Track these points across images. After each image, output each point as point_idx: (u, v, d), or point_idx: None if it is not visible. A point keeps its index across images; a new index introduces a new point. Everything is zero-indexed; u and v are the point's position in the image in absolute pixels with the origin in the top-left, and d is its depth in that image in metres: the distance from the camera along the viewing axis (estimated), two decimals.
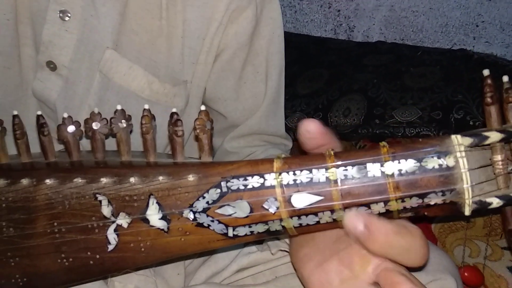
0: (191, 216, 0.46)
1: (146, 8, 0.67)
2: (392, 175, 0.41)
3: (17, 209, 0.51)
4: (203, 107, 0.48)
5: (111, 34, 0.66)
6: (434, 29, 1.53)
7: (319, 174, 0.43)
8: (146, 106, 0.49)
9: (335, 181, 0.42)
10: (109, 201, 0.48)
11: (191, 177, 0.46)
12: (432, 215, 0.43)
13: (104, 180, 0.48)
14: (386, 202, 0.42)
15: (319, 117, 1.24)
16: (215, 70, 0.74)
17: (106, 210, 0.48)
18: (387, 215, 0.43)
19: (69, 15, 0.63)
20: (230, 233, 0.46)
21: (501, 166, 0.42)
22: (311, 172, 0.43)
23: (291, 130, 1.24)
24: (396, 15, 1.55)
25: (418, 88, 1.23)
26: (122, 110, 0.50)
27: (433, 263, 0.59)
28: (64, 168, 0.51)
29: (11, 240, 0.51)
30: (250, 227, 0.45)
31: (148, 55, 0.68)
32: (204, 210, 0.46)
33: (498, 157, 0.42)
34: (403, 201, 0.42)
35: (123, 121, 0.50)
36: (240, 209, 0.45)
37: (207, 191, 0.45)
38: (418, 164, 0.41)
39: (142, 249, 0.48)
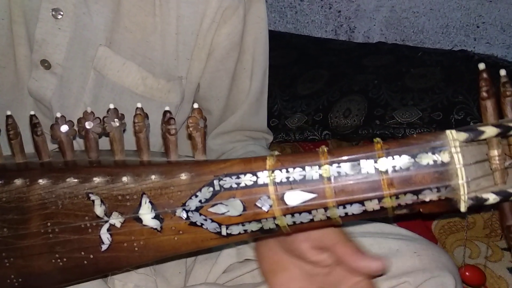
0: (184, 215, 0.46)
1: (140, 5, 0.67)
2: (386, 171, 0.41)
3: (10, 209, 0.50)
4: (196, 105, 0.47)
5: (103, 32, 0.66)
6: (434, 30, 1.53)
7: (312, 172, 0.42)
8: (139, 105, 0.49)
9: (329, 178, 0.42)
10: (102, 201, 0.48)
11: (183, 176, 0.46)
12: (427, 212, 0.42)
13: (96, 179, 0.48)
14: (380, 199, 0.41)
15: (320, 118, 1.23)
16: (210, 70, 0.74)
17: (99, 209, 0.48)
18: (382, 212, 0.42)
19: (62, 13, 0.63)
20: (224, 231, 0.45)
21: (497, 161, 0.41)
22: (304, 169, 0.43)
23: (291, 131, 1.24)
24: (397, 16, 1.55)
25: (418, 89, 1.22)
26: (115, 109, 0.49)
27: (431, 260, 0.58)
28: (58, 168, 0.51)
29: (5, 241, 0.51)
30: (243, 225, 0.45)
31: (142, 53, 0.68)
32: (197, 209, 0.45)
33: (495, 152, 0.41)
34: (397, 198, 0.41)
35: (116, 120, 0.49)
36: (233, 207, 0.44)
37: (200, 190, 0.45)
38: (412, 160, 0.41)
39: (136, 249, 0.48)
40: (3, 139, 0.54)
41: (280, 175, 0.43)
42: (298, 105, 1.29)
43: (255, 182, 0.44)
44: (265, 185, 0.43)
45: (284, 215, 0.43)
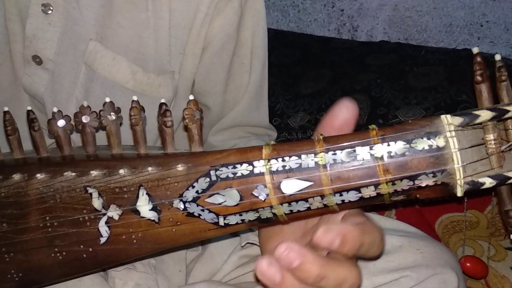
0: (181, 206, 0.46)
1: (132, 1, 0.67)
2: (382, 157, 0.41)
3: (9, 204, 0.51)
4: (191, 97, 0.48)
5: (94, 26, 0.66)
6: (438, 28, 1.52)
7: (308, 159, 0.42)
8: (135, 98, 0.49)
9: (324, 166, 0.42)
10: (99, 194, 0.48)
11: (180, 167, 0.46)
12: (424, 198, 0.42)
13: (94, 172, 0.48)
14: (376, 185, 0.41)
15: (322, 117, 1.23)
16: (204, 64, 0.74)
17: (97, 202, 0.48)
18: (378, 198, 0.42)
19: (52, 8, 0.64)
20: (221, 222, 0.45)
21: (493, 145, 0.41)
22: (300, 157, 0.42)
23: (294, 130, 1.23)
24: (400, 15, 1.54)
25: (422, 88, 1.22)
26: (111, 102, 0.50)
27: (433, 257, 0.58)
28: (55, 162, 0.51)
29: (5, 236, 0.51)
30: (241, 215, 0.45)
31: (136, 48, 0.68)
32: (194, 200, 0.45)
33: (491, 136, 0.41)
34: (393, 184, 0.41)
35: (112, 113, 0.49)
36: (230, 197, 0.44)
37: (197, 181, 0.45)
38: (407, 145, 0.40)
39: (134, 241, 0.48)
40: (1, 135, 0.55)
41: (276, 164, 0.43)
42: (300, 104, 1.28)
43: (252, 171, 0.43)
44: (262, 174, 0.43)
45: (281, 203, 0.43)
